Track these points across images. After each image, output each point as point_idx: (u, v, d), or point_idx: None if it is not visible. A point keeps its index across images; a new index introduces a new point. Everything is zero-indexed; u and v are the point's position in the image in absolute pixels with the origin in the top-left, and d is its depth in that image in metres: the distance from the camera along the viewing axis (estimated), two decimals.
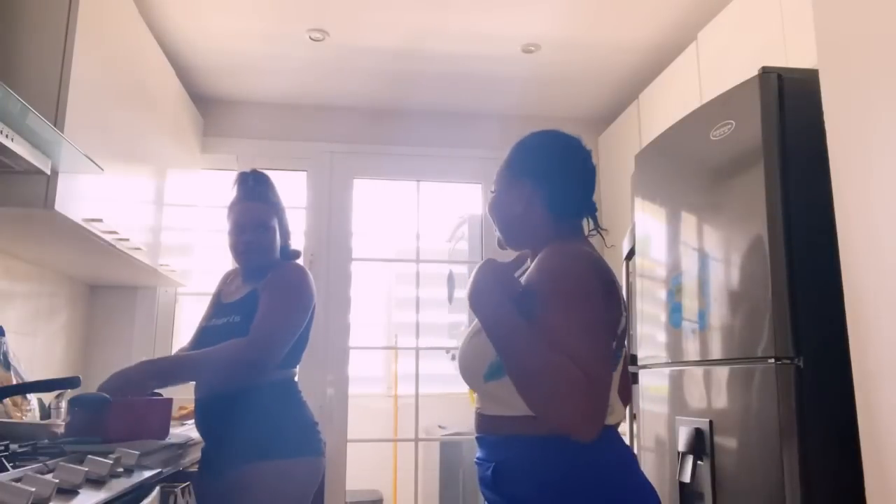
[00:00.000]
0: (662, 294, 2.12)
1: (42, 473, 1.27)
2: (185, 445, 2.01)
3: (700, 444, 1.84)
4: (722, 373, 1.81)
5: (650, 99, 3.08)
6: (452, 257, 4.68)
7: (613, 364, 1.20)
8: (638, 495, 1.17)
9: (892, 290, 1.32)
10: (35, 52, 1.91)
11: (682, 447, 1.89)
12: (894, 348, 1.32)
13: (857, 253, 1.42)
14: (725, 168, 1.85)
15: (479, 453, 1.27)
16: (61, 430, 1.79)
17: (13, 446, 1.55)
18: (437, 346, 4.62)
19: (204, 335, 1.97)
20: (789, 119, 1.72)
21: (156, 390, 1.87)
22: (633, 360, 2.30)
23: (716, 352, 1.83)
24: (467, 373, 1.28)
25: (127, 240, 2.32)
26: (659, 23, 2.85)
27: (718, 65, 2.50)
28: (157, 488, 1.60)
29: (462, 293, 3.90)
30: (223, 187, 2.05)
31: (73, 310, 2.96)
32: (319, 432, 1.92)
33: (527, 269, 1.30)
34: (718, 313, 1.82)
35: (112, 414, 1.72)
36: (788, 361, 1.61)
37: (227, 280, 2.11)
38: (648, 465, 2.15)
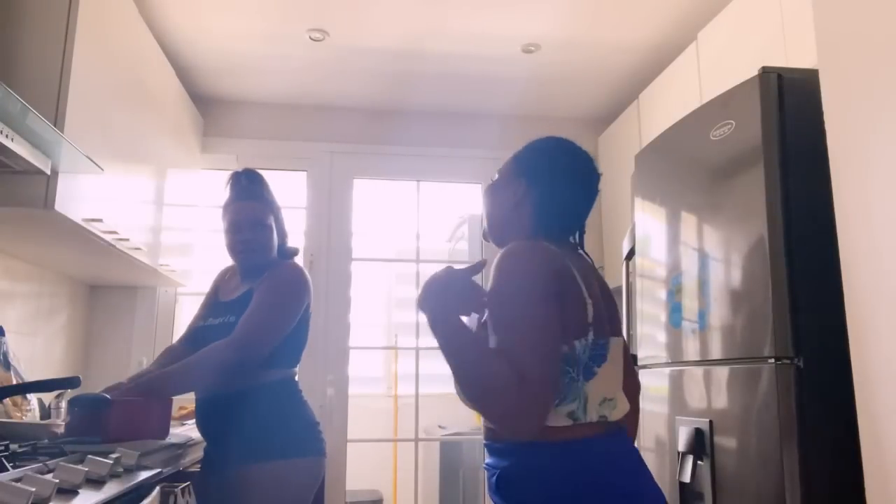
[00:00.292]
0: (662, 294, 2.12)
1: (42, 473, 1.27)
2: (185, 445, 2.01)
3: (700, 445, 1.84)
4: (722, 373, 1.81)
5: (650, 99, 3.07)
6: (452, 257, 4.68)
7: (599, 358, 1.18)
8: (645, 501, 1.16)
9: (891, 290, 1.32)
10: (35, 52, 1.91)
11: (682, 447, 1.89)
12: (894, 348, 1.32)
13: (856, 253, 1.42)
14: (725, 168, 1.85)
15: (487, 459, 1.26)
16: (61, 430, 1.79)
17: (13, 446, 1.55)
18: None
19: (200, 334, 1.97)
20: (789, 119, 1.72)
21: None
22: (634, 360, 2.30)
23: (716, 352, 1.83)
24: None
25: (127, 240, 2.32)
26: (659, 23, 2.85)
27: (718, 65, 2.49)
28: (157, 488, 1.60)
29: None
30: (222, 187, 2.05)
31: (73, 310, 2.96)
32: (321, 432, 1.91)
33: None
34: (718, 313, 1.82)
35: (112, 414, 1.73)
36: (788, 361, 1.61)
37: (225, 277, 2.10)
38: (649, 466, 2.14)
